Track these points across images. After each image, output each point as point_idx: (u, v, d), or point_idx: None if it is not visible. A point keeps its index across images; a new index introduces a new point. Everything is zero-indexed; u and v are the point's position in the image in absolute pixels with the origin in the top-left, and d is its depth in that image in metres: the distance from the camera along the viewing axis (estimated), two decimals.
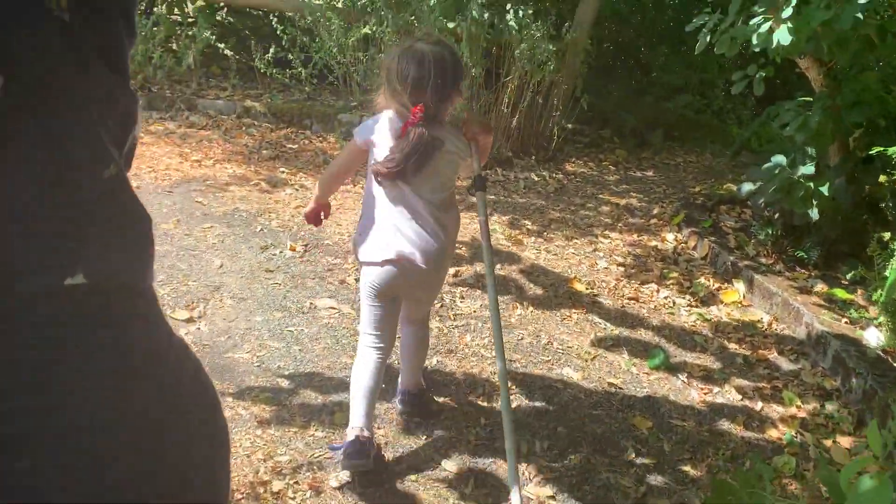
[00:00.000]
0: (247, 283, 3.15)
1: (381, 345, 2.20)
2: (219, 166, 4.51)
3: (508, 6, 5.21)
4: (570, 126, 6.21)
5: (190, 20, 6.78)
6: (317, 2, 5.62)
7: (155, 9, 5.88)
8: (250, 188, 4.23)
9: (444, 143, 2.10)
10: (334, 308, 3.04)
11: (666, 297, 3.61)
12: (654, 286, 3.72)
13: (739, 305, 3.63)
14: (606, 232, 4.45)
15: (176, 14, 6.75)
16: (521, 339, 3.03)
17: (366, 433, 2.12)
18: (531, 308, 3.28)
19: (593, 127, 6.84)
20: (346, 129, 5.55)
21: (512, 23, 5.17)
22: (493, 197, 4.82)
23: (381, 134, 2.11)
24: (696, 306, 3.59)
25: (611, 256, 4.07)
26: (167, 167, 4.34)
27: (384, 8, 5.23)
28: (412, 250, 2.10)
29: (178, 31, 6.11)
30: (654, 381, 2.88)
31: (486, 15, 5.35)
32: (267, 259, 3.40)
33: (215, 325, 2.82)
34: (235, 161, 4.65)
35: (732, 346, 3.23)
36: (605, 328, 3.21)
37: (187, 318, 2.82)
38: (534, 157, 5.71)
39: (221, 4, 6.83)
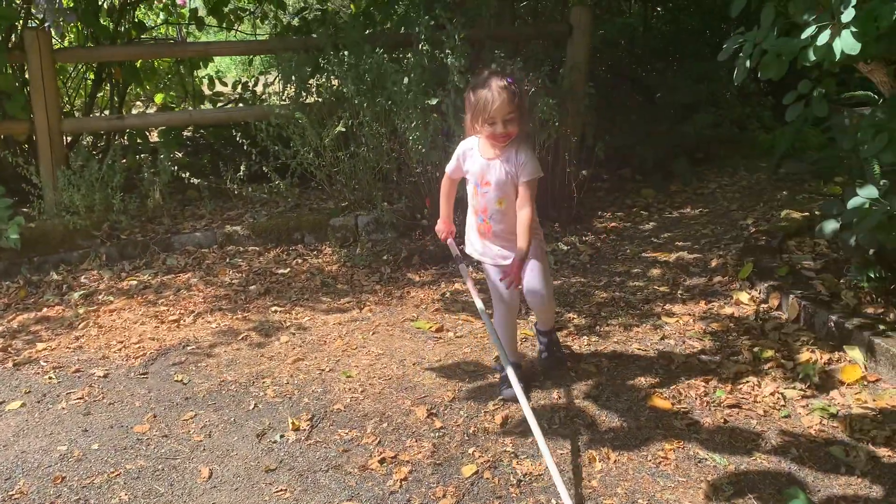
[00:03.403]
0: (243, 497, 2.43)
1: None
2: (201, 322, 3.84)
3: (494, 65, 4.56)
4: (585, 174, 5.54)
5: (153, 144, 6.23)
6: (281, 103, 5.02)
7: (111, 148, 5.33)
8: (239, 345, 3.54)
9: None
10: None
11: (772, 393, 2.84)
12: (751, 378, 2.95)
13: (865, 383, 2.85)
14: (668, 306, 3.71)
15: (138, 142, 6.20)
16: None
17: None
18: (613, 455, 2.52)
19: (610, 168, 6.15)
20: (342, 233, 4.90)
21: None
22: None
23: None
24: (813, 396, 2.82)
25: (685, 343, 3.31)
26: (141, 338, 3.67)
27: (356, 96, 4.61)
28: None
29: (141, 161, 5.54)
30: None
31: (469, 80, 4.73)
32: (266, 450, 2.68)
33: None
34: (220, 310, 3.97)
35: (884, 453, 2.45)
36: (714, 466, 2.44)
37: None
38: (557, 223, 5.00)
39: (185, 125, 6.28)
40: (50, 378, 3.31)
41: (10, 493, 2.49)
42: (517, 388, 2.46)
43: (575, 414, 2.78)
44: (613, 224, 5.15)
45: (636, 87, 7.22)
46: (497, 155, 2.71)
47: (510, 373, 2.55)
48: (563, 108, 4.89)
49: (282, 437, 2.76)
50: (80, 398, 3.12)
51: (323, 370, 3.24)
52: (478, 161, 2.78)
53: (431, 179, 4.70)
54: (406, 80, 4.43)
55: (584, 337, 3.43)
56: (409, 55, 4.68)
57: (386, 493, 2.40)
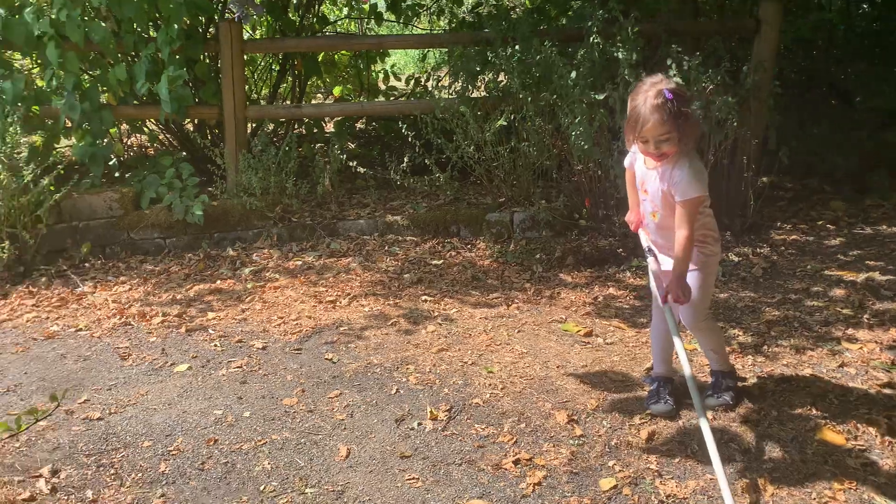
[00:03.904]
0: (377, 480, 2.45)
1: None
2: (355, 305, 3.95)
3: (669, 61, 4.31)
4: (765, 181, 5.11)
5: (328, 134, 6.53)
6: (447, 97, 5.07)
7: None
8: (387, 330, 3.60)
9: None
10: None
11: None
12: None
13: None
14: (851, 331, 3.32)
15: (314, 131, 6.52)
16: None
17: None
18: (771, 487, 2.27)
19: (795, 176, 5.65)
20: (497, 229, 4.86)
21: (676, 79, 4.26)
22: None
23: None
24: None
25: (867, 373, 2.94)
26: (298, 316, 3.83)
27: (521, 91, 4.55)
28: None
29: (314, 150, 5.82)
30: None
31: (643, 75, 4.51)
32: (403, 437, 2.68)
33: None
34: (374, 294, 4.07)
35: None
36: None
37: None
38: (728, 232, 4.65)
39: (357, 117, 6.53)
40: (215, 345, 3.53)
41: (169, 448, 2.67)
42: (700, 410, 2.23)
43: (731, 438, 2.55)
44: (794, 237, 4.72)
45: (832, 91, 6.59)
46: (655, 166, 2.52)
47: (693, 392, 2.32)
48: (744, 108, 4.55)
49: (419, 424, 2.75)
50: (239, 367, 3.29)
51: (465, 363, 3.21)
52: (641, 167, 2.62)
53: (593, 178, 4.54)
54: (574, 74, 4.30)
55: (749, 356, 3.14)
56: (581, 50, 4.54)
57: (518, 496, 2.31)
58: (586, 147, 4.27)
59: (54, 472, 2.50)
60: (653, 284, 2.68)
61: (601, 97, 4.25)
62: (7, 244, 4.41)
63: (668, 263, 2.58)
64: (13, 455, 2.59)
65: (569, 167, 4.70)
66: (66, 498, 2.37)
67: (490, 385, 3.00)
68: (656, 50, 4.61)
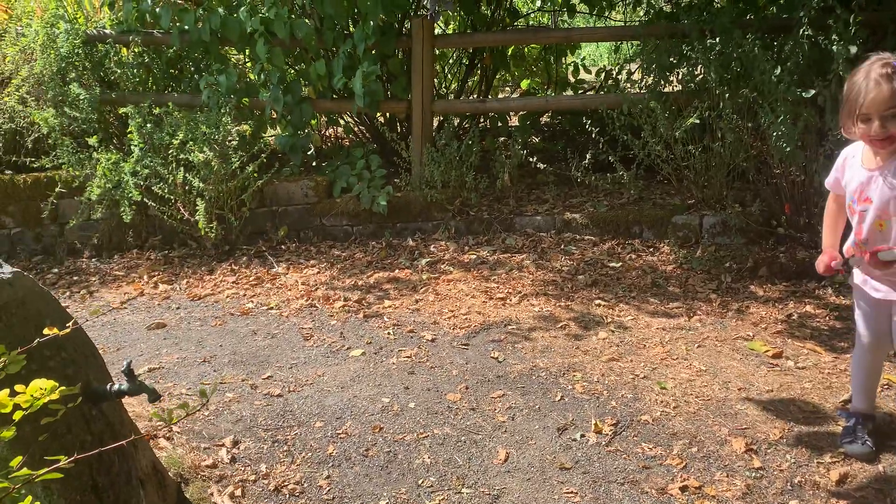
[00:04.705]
0: (533, 489, 2.39)
1: None
2: (525, 304, 3.90)
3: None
4: None
5: (511, 128, 6.51)
6: (637, 91, 4.84)
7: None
8: (556, 333, 3.52)
9: None
10: None
11: None
12: None
13: None
14: None
15: (498, 125, 6.54)
16: None
17: None
18: None
19: None
20: (683, 233, 4.59)
21: None
22: None
23: None
24: None
25: None
26: (469, 310, 3.85)
27: (718, 86, 4.24)
28: None
29: (496, 145, 5.84)
30: None
31: None
32: (564, 447, 2.60)
33: None
34: (545, 294, 3.99)
35: None
36: None
37: None
38: None
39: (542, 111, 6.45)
40: (388, 333, 3.64)
41: (338, 431, 2.78)
42: None
43: None
44: None
45: None
46: (881, 165, 2.16)
47: None
48: None
49: (582, 436, 2.65)
50: (408, 357, 3.37)
51: (636, 375, 3.05)
52: (858, 172, 2.24)
53: (795, 183, 4.14)
54: (778, 69, 3.93)
55: None
56: (788, 42, 4.14)
57: None
58: (788, 149, 3.90)
59: (235, 443, 2.70)
60: (863, 307, 2.36)
61: (809, 95, 3.85)
62: (215, 224, 4.84)
63: (881, 289, 2.25)
64: (202, 423, 2.83)
65: (767, 170, 4.32)
66: (242, 469, 2.55)
67: (662, 402, 2.83)
68: (879, 42, 4.10)
